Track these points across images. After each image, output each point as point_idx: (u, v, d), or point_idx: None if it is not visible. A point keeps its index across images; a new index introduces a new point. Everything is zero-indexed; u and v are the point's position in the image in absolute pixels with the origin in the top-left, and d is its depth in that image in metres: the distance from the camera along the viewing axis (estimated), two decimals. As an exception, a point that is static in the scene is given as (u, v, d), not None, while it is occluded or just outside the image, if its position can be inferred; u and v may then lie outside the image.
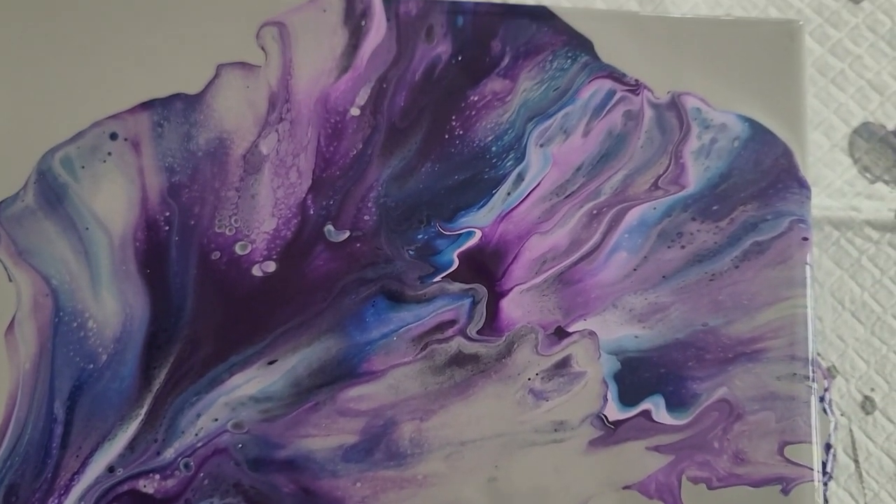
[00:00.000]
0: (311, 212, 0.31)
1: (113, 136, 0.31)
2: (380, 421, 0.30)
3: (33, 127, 0.31)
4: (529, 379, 0.30)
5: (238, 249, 0.31)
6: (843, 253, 0.37)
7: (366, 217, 0.31)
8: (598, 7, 0.40)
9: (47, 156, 0.31)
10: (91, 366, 0.30)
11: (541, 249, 0.31)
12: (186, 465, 0.29)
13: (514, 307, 0.31)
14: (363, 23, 0.33)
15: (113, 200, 0.31)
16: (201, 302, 0.30)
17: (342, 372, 0.30)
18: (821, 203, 0.38)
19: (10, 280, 0.30)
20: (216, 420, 0.29)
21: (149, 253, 0.31)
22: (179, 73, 0.32)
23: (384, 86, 0.33)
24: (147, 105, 0.32)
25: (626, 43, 0.34)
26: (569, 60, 0.34)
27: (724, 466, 0.30)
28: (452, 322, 0.30)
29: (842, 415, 0.35)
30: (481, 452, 0.30)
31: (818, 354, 0.35)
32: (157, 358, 0.30)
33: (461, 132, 0.32)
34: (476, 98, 0.33)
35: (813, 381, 0.31)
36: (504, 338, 0.30)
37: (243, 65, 0.32)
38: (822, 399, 0.34)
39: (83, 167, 0.31)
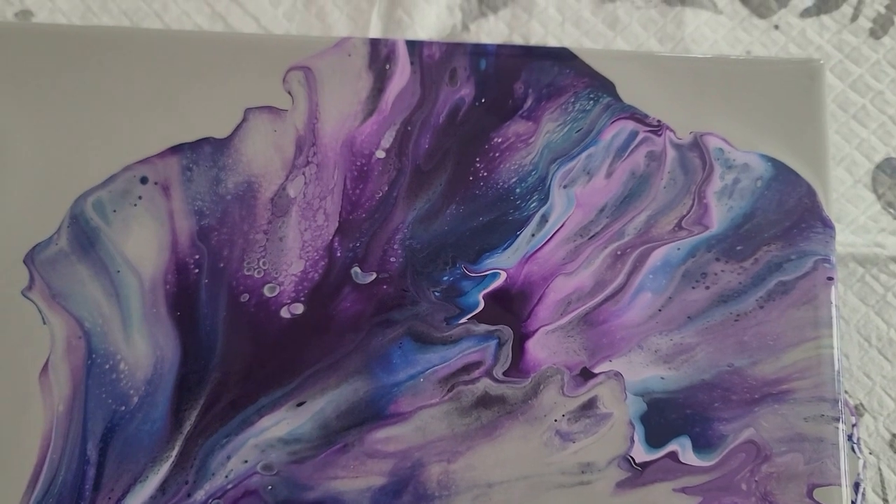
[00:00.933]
0: (338, 254, 0.33)
1: (143, 180, 0.33)
2: (407, 463, 0.31)
3: (66, 171, 0.33)
4: (556, 420, 0.32)
5: (266, 292, 0.32)
6: (869, 290, 0.39)
7: (392, 259, 0.33)
8: (620, 48, 0.42)
9: (80, 200, 0.33)
10: (123, 407, 0.31)
11: (565, 290, 0.33)
12: None
13: (539, 348, 0.32)
14: (387, 66, 0.35)
15: (143, 244, 0.32)
16: (231, 344, 0.32)
17: (370, 414, 0.31)
18: (845, 240, 0.39)
19: (45, 323, 0.31)
20: (246, 462, 0.31)
21: (179, 295, 0.32)
22: (208, 117, 0.34)
23: (409, 128, 0.34)
24: (176, 149, 0.34)
25: (648, 83, 0.35)
26: (591, 102, 0.35)
27: (752, 509, 0.32)
28: (478, 363, 0.32)
29: (870, 453, 0.37)
30: (509, 494, 0.31)
31: (845, 392, 0.36)
32: (187, 400, 0.31)
33: (485, 174, 0.34)
34: (500, 140, 0.34)
35: (841, 422, 0.32)
36: (530, 379, 0.32)
37: (270, 109, 0.34)
38: (850, 437, 0.35)
39: (115, 211, 0.33)
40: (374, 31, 0.42)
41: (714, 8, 0.43)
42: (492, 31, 0.43)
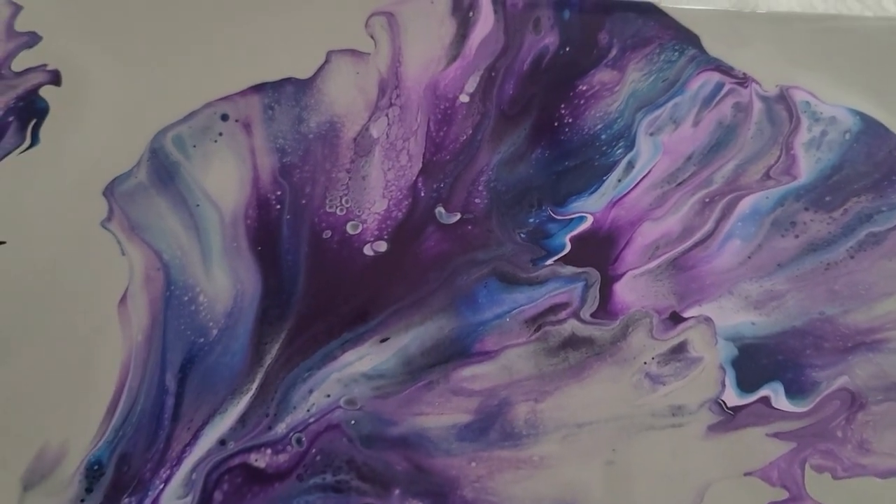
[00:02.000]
0: (422, 194, 0.34)
1: (224, 117, 0.34)
2: (494, 401, 0.32)
3: (147, 106, 0.34)
4: (645, 363, 0.33)
5: (349, 229, 0.33)
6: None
7: (476, 200, 0.34)
8: (698, 4, 0.44)
9: (160, 134, 0.33)
10: (202, 339, 0.32)
11: (653, 235, 0.34)
12: (298, 441, 0.31)
13: (627, 291, 0.33)
14: (471, 14, 0.37)
15: (224, 179, 0.33)
16: (313, 279, 0.33)
17: (455, 351, 0.32)
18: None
19: (123, 254, 0.32)
20: (328, 396, 0.32)
21: (260, 230, 0.33)
22: (290, 58, 0.35)
23: (493, 74, 0.36)
24: (258, 88, 0.34)
25: (733, 38, 0.37)
26: (676, 53, 0.37)
27: (848, 456, 0.32)
28: (565, 305, 0.33)
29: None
30: (598, 435, 0.32)
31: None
32: (268, 333, 0.32)
33: (570, 120, 0.35)
34: (584, 88, 0.36)
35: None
36: (618, 321, 0.33)
37: (353, 52, 0.35)
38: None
39: (195, 146, 0.33)
40: None
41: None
42: None
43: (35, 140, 0.33)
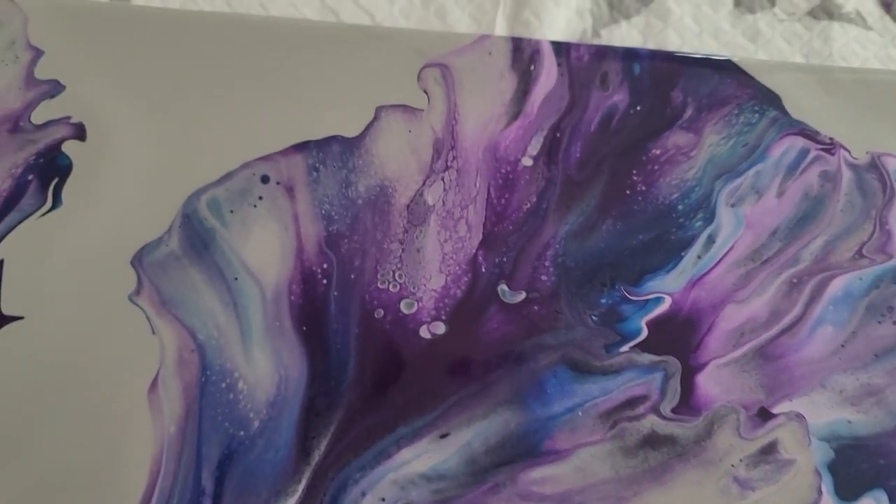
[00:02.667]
0: (483, 269, 0.33)
1: (264, 179, 0.33)
2: None
3: (179, 166, 0.33)
4: (733, 465, 0.31)
5: (404, 308, 0.32)
6: None
7: (543, 277, 0.33)
8: (785, 60, 0.42)
9: (193, 198, 0.32)
10: (242, 433, 0.30)
11: (738, 320, 0.32)
12: None
13: (711, 383, 0.32)
14: (532, 67, 0.35)
15: (265, 249, 0.32)
16: (364, 364, 0.31)
17: (523, 450, 0.30)
18: None
19: (153, 332, 0.31)
20: (383, 500, 0.30)
21: (305, 308, 0.32)
22: (336, 114, 0.34)
23: (558, 135, 0.34)
24: (301, 147, 0.33)
25: (817, 99, 0.36)
26: (756, 115, 0.35)
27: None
28: (644, 398, 0.31)
29: None
30: None
31: None
32: (316, 426, 0.30)
33: (643, 188, 0.34)
34: (658, 152, 0.35)
35: None
36: (702, 417, 0.31)
37: (405, 108, 0.34)
38: None
39: (232, 211, 0.32)
40: (500, 33, 0.42)
41: (863, 23, 0.43)
42: (624, 38, 0.43)
43: (57, 202, 0.32)
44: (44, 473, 0.29)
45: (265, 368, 0.31)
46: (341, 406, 0.31)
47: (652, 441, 0.31)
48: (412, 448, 0.30)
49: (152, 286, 0.31)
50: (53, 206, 0.32)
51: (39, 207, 0.32)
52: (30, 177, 0.32)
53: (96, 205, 0.32)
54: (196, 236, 0.32)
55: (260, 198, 0.32)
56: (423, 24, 0.42)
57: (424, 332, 0.32)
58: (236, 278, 0.32)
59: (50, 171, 0.32)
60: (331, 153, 0.33)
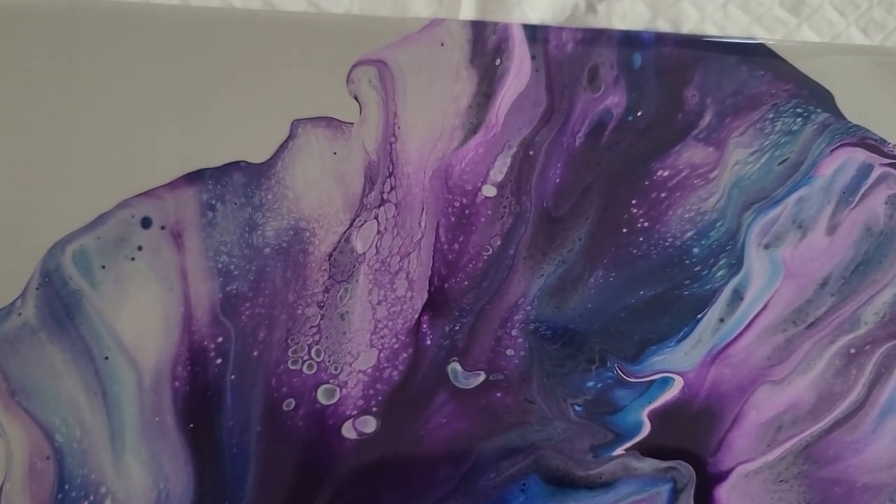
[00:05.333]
0: (429, 342, 0.28)
1: (145, 223, 0.28)
2: None
3: (36, 208, 0.28)
4: None
5: (322, 397, 0.28)
6: None
7: (509, 352, 0.28)
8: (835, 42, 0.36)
9: (55, 249, 0.28)
10: None
11: (774, 409, 0.28)
12: None
13: (736, 499, 0.28)
14: (498, 62, 0.29)
15: (143, 317, 0.28)
16: (269, 476, 0.27)
17: None
18: None
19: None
20: None
21: (193, 398, 0.28)
22: (238, 131, 0.29)
23: (531, 153, 0.29)
24: (193, 178, 0.28)
25: (882, 92, 0.30)
26: (800, 119, 0.29)
27: None
28: None
29: None
30: None
31: None
32: None
33: (646, 224, 0.29)
34: (666, 173, 0.29)
35: None
36: None
37: (329, 121, 0.29)
38: None
39: (104, 267, 0.28)
40: (467, 15, 0.36)
41: (938, -15, 0.37)
42: (627, 14, 0.37)
43: None
44: None
45: (140, 480, 0.27)
46: None
47: None
48: None
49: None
50: None
51: None
52: None
53: None
54: (58, 301, 0.28)
55: (139, 248, 0.28)
56: (372, 4, 0.37)
57: (349, 431, 0.28)
58: (107, 357, 0.27)
59: None
60: (231, 185, 0.28)
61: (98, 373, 0.28)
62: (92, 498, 0.27)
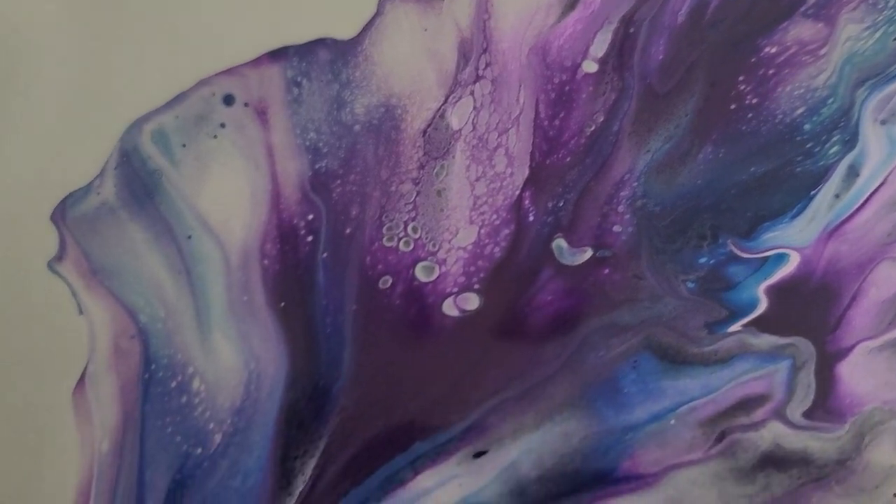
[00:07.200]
0: (531, 217, 0.28)
1: (227, 100, 0.28)
2: None
3: (115, 87, 0.28)
4: (895, 495, 0.26)
5: (420, 274, 0.28)
6: None
7: (616, 228, 0.28)
8: None
9: (133, 129, 0.28)
10: (199, 450, 0.27)
11: (895, 286, 0.28)
12: None
13: (858, 376, 0.27)
14: None
15: (228, 195, 0.28)
16: (366, 355, 0.27)
17: (592, 474, 0.27)
18: None
19: (81, 313, 0.27)
20: None
21: (284, 276, 0.27)
22: (323, 8, 0.29)
23: (631, 30, 0.29)
24: (277, 55, 0.28)
25: None
26: None
27: None
28: (763, 398, 0.27)
29: None
30: None
31: None
32: (299, 442, 0.27)
33: (755, 100, 0.28)
34: (774, 50, 0.29)
35: None
36: (847, 425, 0.27)
37: None
38: None
39: (184, 145, 0.28)
40: None
41: None
42: None
43: None
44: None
45: (229, 361, 0.27)
46: (333, 414, 0.27)
47: (776, 459, 0.27)
48: (434, 472, 0.27)
49: (79, 249, 0.27)
50: (-54, 144, 0.28)
51: (-72, 146, 0.27)
52: (-84, 106, 0.27)
53: (3, 141, 0.28)
54: (137, 181, 0.28)
55: (222, 125, 0.28)
56: None
57: (450, 308, 0.27)
58: (190, 236, 0.27)
59: (-57, 97, 0.28)
60: (317, 62, 0.28)
61: (181, 252, 0.27)
62: (180, 378, 0.27)
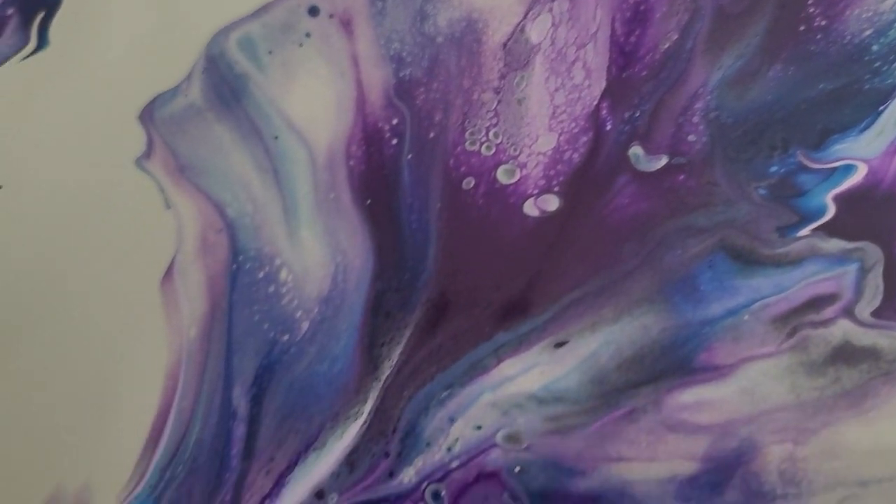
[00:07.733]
0: (609, 126, 0.28)
1: (313, 11, 0.28)
2: (731, 442, 0.26)
3: None
4: None
5: (502, 176, 0.28)
6: None
7: (690, 137, 0.28)
8: None
9: (220, 35, 0.28)
10: (286, 337, 0.27)
11: None
12: (436, 496, 0.26)
13: None
14: None
15: (314, 100, 0.28)
16: (450, 250, 0.27)
17: (669, 364, 0.27)
18: None
19: (168, 207, 0.27)
20: (479, 428, 0.27)
21: (369, 176, 0.28)
22: None
23: None
24: None
25: None
26: None
27: None
28: (833, 297, 0.27)
29: None
30: (893, 499, 0.26)
31: None
32: (385, 330, 0.27)
33: (823, 22, 0.28)
34: None
35: None
36: None
37: None
38: None
39: (271, 52, 0.28)
40: None
41: None
42: None
43: (43, 41, 0.29)
44: (29, 392, 0.27)
45: (317, 254, 0.27)
46: (419, 304, 0.27)
47: (845, 355, 0.27)
48: (517, 360, 0.27)
49: (167, 148, 0.28)
50: (39, 47, 0.29)
51: (21, 48, 0.28)
52: (9, 10, 0.29)
53: (93, 44, 0.29)
54: (224, 84, 0.28)
55: (307, 35, 0.28)
56: None
57: (531, 209, 0.28)
58: (276, 137, 0.28)
59: (34, 3, 0.29)
60: None
61: (268, 151, 0.28)
62: (267, 269, 0.27)
